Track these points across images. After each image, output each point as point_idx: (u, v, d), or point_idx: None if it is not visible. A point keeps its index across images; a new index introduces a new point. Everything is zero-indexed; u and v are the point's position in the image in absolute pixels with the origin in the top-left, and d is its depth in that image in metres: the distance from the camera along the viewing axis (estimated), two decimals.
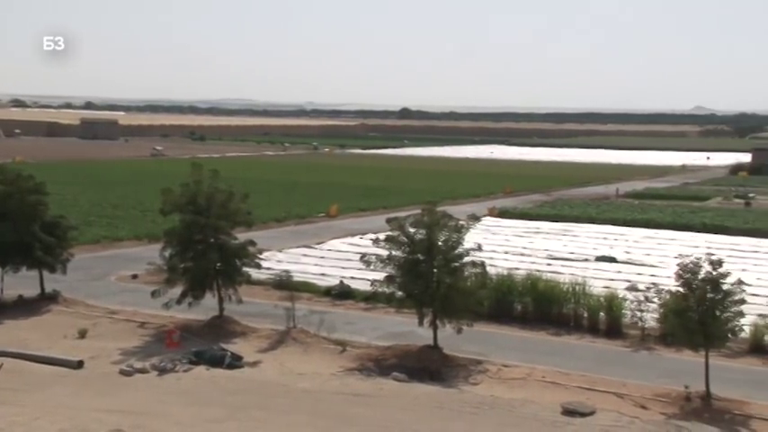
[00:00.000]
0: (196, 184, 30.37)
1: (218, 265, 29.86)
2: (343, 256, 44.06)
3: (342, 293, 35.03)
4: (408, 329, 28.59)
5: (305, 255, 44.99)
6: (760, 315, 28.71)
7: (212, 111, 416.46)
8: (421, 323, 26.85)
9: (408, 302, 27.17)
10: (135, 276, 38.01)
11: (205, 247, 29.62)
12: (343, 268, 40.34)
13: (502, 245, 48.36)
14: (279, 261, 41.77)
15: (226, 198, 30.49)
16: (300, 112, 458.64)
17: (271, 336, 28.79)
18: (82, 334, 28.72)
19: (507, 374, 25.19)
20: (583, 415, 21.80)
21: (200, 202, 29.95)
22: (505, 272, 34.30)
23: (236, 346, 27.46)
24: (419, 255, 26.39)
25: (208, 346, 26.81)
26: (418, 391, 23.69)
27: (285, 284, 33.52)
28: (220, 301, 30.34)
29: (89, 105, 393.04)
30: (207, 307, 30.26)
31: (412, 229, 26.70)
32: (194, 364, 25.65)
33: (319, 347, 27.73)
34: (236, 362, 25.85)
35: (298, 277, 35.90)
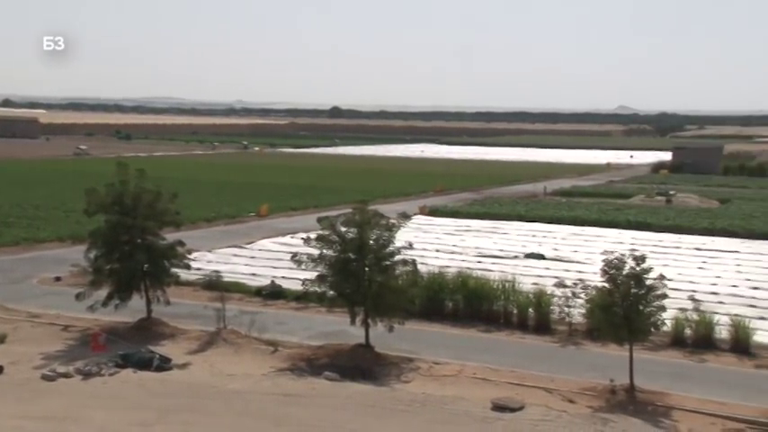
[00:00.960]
0: (122, 184, 29.68)
1: (146, 266, 29.23)
2: (274, 255, 43.73)
3: (273, 293, 34.75)
4: (340, 328, 28.53)
5: (235, 255, 44.48)
6: (681, 309, 29.60)
7: (139, 109, 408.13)
8: (353, 322, 26.84)
9: (340, 301, 27.11)
10: (58, 279, 36.93)
11: (132, 248, 29.01)
12: (274, 268, 40.03)
13: (433, 243, 48.74)
14: (209, 261, 41.20)
15: (153, 198, 29.90)
16: (230, 111, 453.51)
17: (200, 337, 28.36)
18: (1, 339, 27.74)
19: (438, 372, 25.38)
20: (512, 410, 22.12)
21: (126, 202, 29.30)
22: (436, 270, 34.54)
23: (164, 348, 26.95)
24: (350, 254, 26.37)
25: (135, 348, 26.23)
26: (350, 390, 23.66)
27: (215, 285, 33.08)
28: (148, 302, 29.75)
29: (7, 103, 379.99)
30: (134, 309, 29.62)
31: (343, 228, 26.66)
32: (121, 367, 25.05)
33: (250, 348, 27.45)
34: (164, 364, 25.35)
35: (228, 277, 35.48)
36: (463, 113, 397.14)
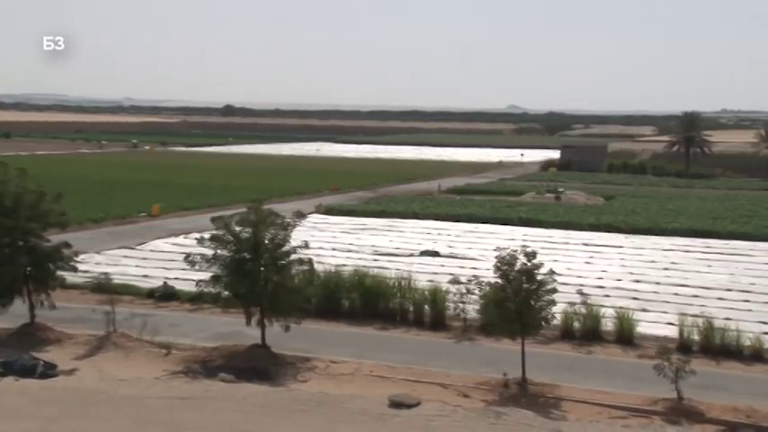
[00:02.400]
0: (1, 185, 28.34)
1: (29, 269, 28.03)
2: (167, 256, 42.67)
3: (165, 295, 33.91)
4: (236, 329, 28.09)
5: (125, 256, 43.15)
6: (570, 303, 30.57)
7: (19, 106, 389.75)
8: (248, 322, 26.48)
9: (235, 302, 26.70)
10: None
11: (13, 251, 27.71)
12: (166, 269, 39.05)
13: (329, 241, 48.66)
14: (97, 263, 39.77)
15: (36, 198, 28.64)
16: (118, 109, 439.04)
17: (89, 342, 27.35)
18: None
19: (336, 370, 25.34)
20: (409, 407, 22.34)
21: (6, 203, 27.97)
22: (333, 268, 34.50)
23: (49, 355, 25.85)
24: (245, 253, 26.01)
25: (17, 355, 25.05)
26: (246, 391, 23.33)
27: (104, 287, 31.92)
28: (31, 307, 28.47)
29: None
30: (16, 314, 28.29)
31: (238, 228, 26.26)
32: (1, 375, 23.88)
33: (142, 351, 26.66)
34: (49, 371, 24.31)
35: (118, 279, 34.37)
36: (358, 112, 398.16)
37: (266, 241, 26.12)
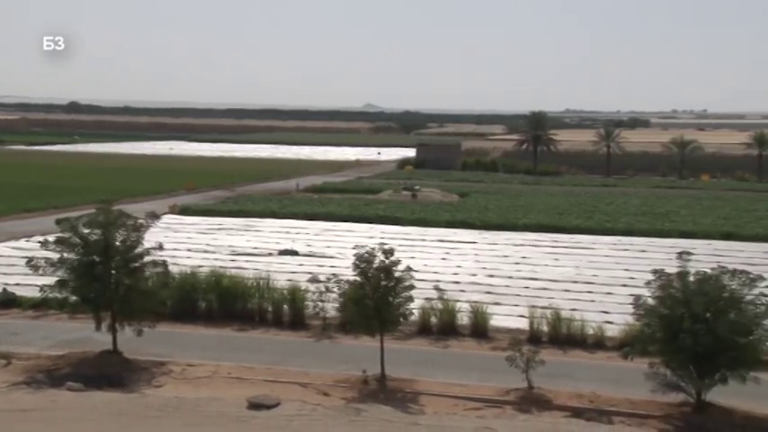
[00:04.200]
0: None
1: None
2: (7, 261, 40.22)
3: (5, 302, 31.96)
4: (85, 335, 26.84)
5: None
6: (427, 299, 31.17)
7: None
8: (98, 327, 25.41)
9: (84, 307, 25.56)
10: None
11: None
12: (5, 275, 36.79)
13: (184, 242, 47.42)
14: None
15: None
16: None
17: None
18: None
19: (192, 374, 24.71)
20: (268, 407, 22.11)
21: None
22: (189, 270, 33.61)
23: None
24: (95, 256, 24.91)
25: None
26: (96, 400, 22.33)
27: None
28: None
29: None
30: None
31: (86, 230, 25.10)
32: None
33: None
34: None
35: None
36: (213, 110, 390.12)
37: (117, 243, 25.14)
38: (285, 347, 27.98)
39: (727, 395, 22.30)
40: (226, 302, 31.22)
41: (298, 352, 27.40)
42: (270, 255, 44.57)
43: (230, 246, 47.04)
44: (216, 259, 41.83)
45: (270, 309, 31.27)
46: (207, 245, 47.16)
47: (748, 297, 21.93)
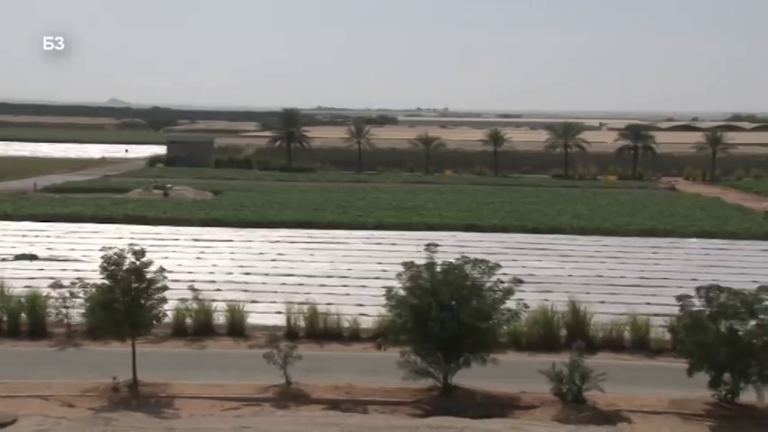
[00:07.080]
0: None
1: None
2: None
3: None
4: None
5: None
6: (181, 299, 30.29)
7: None
8: None
9: None
10: None
11: None
12: None
13: None
14: None
15: None
16: None
17: None
18: None
19: None
20: (3, 425, 20.33)
21: None
22: None
23: None
24: None
25: None
26: None
27: None
28: None
29: None
30: None
31: None
32: None
33: None
34: None
35: None
36: None
37: None
38: (23, 359, 25.94)
39: (471, 377, 23.89)
40: None
41: (38, 363, 25.48)
42: (4, 260, 41.06)
43: None
44: None
45: (5, 318, 28.89)
46: None
47: (488, 284, 23.63)
